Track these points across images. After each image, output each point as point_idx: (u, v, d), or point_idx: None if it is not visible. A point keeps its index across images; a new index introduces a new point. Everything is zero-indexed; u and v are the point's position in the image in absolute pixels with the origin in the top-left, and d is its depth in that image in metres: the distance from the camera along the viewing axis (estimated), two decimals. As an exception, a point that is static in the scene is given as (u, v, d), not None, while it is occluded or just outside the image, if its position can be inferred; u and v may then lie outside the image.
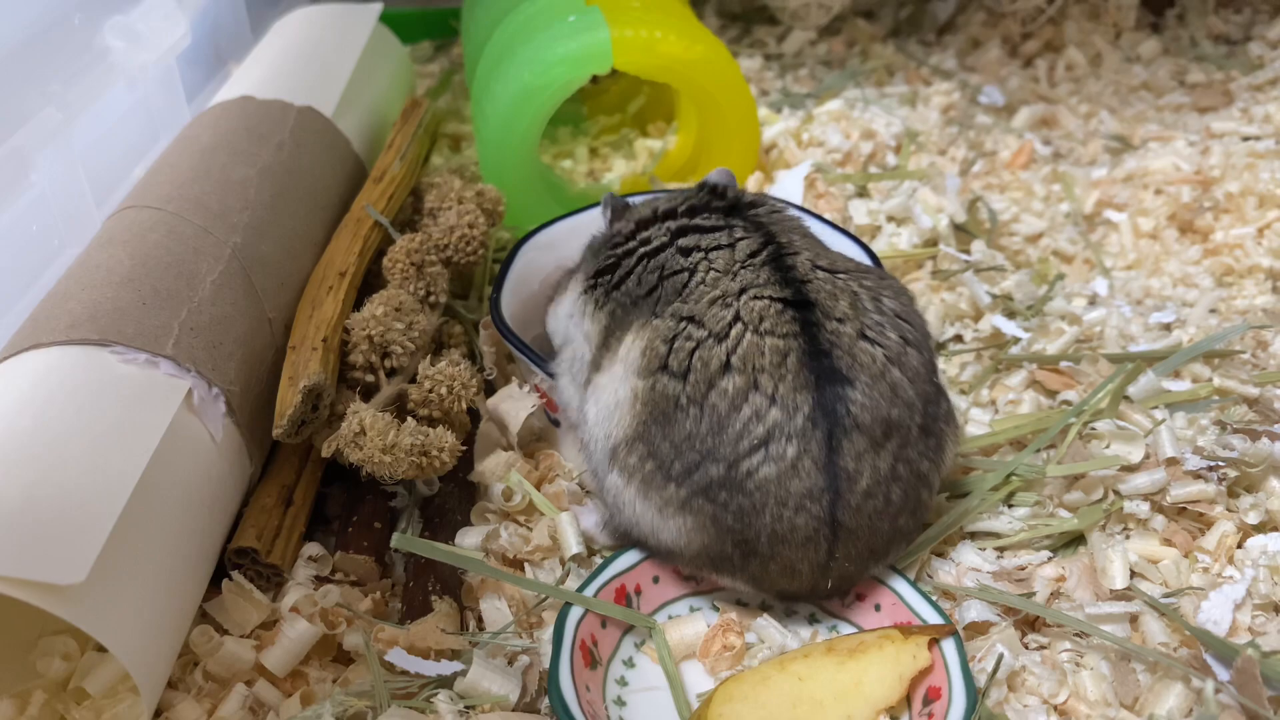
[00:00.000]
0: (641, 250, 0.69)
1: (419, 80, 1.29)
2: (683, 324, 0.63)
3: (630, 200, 0.76)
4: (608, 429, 0.65)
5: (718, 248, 0.67)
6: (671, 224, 0.70)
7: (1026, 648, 0.63)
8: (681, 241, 0.68)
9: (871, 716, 0.58)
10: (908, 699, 0.59)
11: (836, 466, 0.59)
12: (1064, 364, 0.82)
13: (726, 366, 0.61)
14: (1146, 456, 0.71)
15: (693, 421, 0.61)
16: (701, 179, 0.75)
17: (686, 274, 0.66)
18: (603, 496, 0.66)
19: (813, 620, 0.66)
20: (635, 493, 0.63)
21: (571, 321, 0.72)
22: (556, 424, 0.76)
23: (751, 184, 1.03)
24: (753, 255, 0.66)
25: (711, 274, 0.65)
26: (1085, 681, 0.60)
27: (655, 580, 0.66)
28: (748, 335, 0.61)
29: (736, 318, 0.62)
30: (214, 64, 1.10)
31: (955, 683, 0.57)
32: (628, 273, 0.69)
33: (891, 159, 1.09)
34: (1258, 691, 0.56)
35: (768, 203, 0.72)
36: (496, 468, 0.73)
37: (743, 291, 0.63)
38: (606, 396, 0.65)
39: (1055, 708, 0.59)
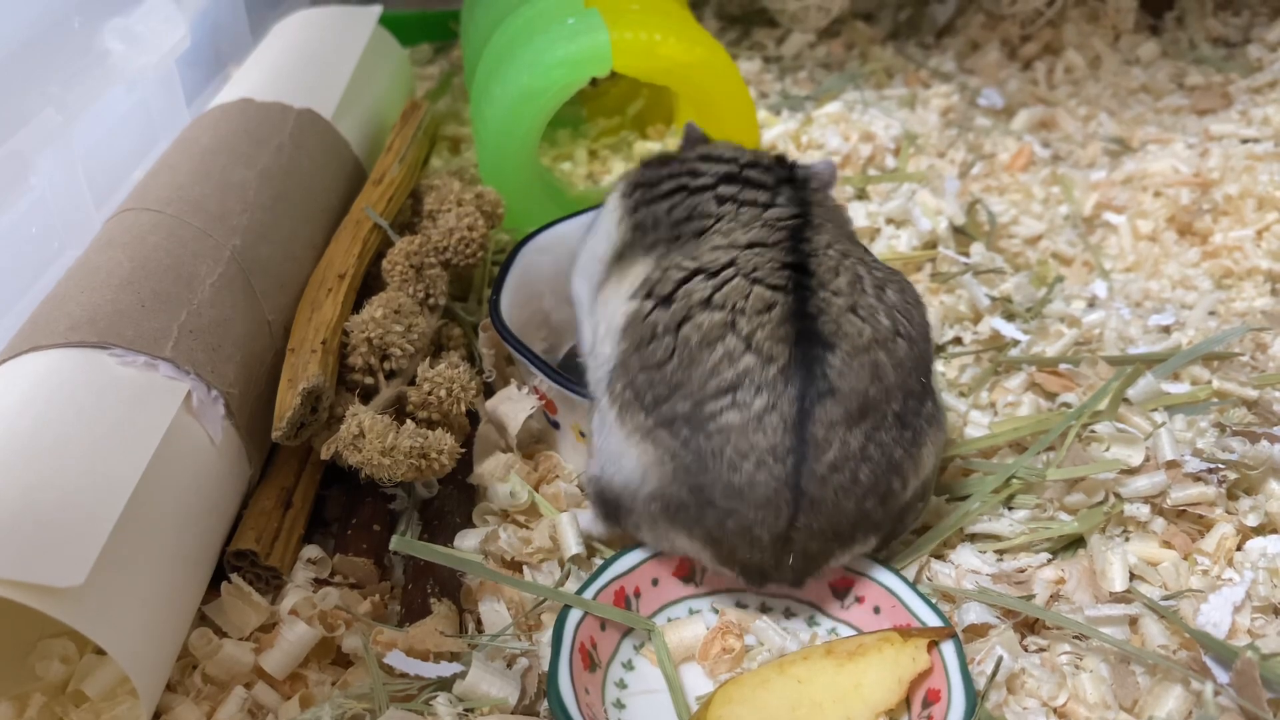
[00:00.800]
0: (687, 181, 0.70)
1: (418, 83, 1.29)
2: (680, 259, 0.64)
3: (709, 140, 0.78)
4: (609, 350, 0.66)
5: (752, 204, 0.68)
6: (725, 169, 0.71)
7: (1026, 650, 0.63)
8: (722, 189, 0.69)
9: (871, 719, 0.57)
10: (907, 701, 0.59)
11: (806, 430, 0.58)
12: (1063, 366, 0.82)
13: (707, 302, 0.61)
14: (1146, 459, 0.71)
15: (664, 350, 0.61)
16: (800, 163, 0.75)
17: (712, 220, 0.67)
18: (591, 427, 0.66)
19: (812, 623, 0.66)
20: (615, 418, 0.63)
21: (602, 215, 0.75)
22: (556, 426, 0.76)
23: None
24: (778, 221, 0.66)
25: (731, 225, 0.66)
26: (1085, 684, 0.60)
27: (654, 583, 0.66)
28: (737, 278, 0.62)
29: (732, 262, 0.63)
30: (213, 66, 1.10)
31: (954, 685, 0.57)
32: (664, 196, 0.70)
33: (891, 161, 1.09)
34: (1257, 694, 0.56)
35: (823, 189, 0.72)
36: (496, 470, 0.73)
37: (750, 245, 0.64)
38: (611, 313, 0.67)
39: (1055, 710, 0.59)
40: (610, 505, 0.65)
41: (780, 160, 0.73)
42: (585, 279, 0.74)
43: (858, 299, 0.62)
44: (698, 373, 0.60)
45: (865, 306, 0.62)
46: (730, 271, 0.62)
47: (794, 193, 0.69)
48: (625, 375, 0.63)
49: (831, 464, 0.59)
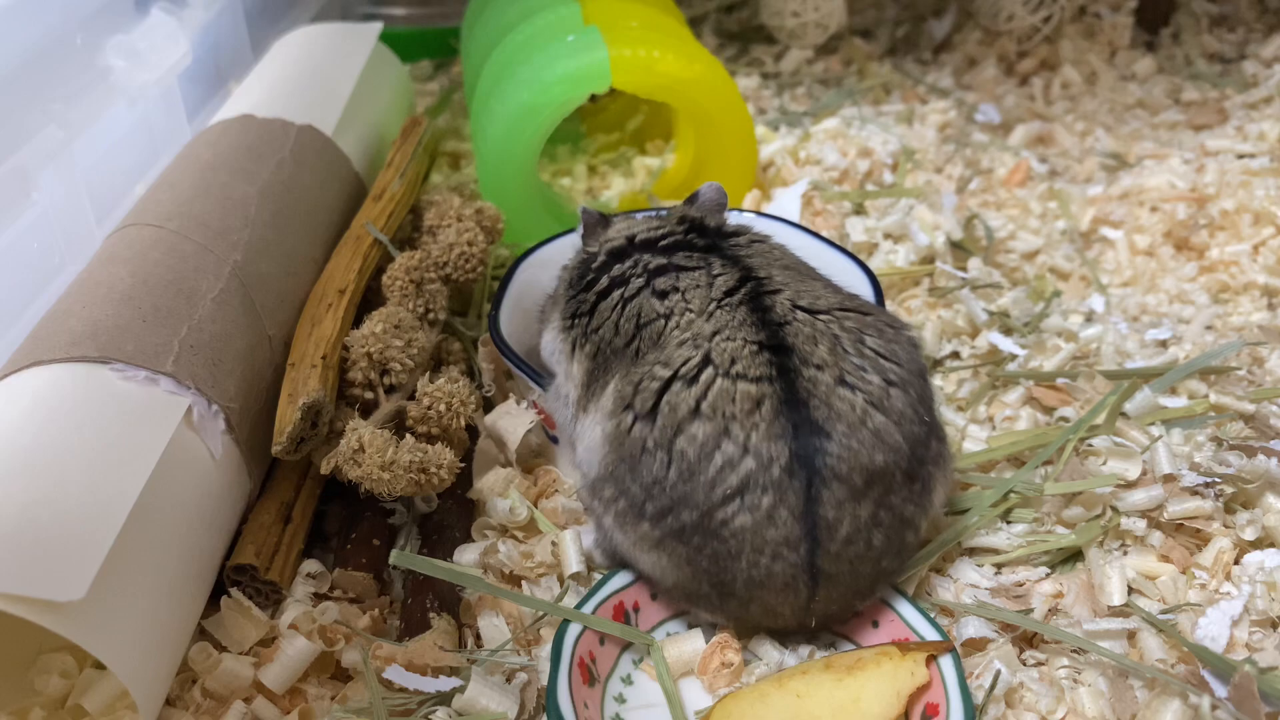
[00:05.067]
0: (617, 293, 0.67)
1: (419, 99, 1.30)
2: (651, 367, 0.62)
3: (608, 218, 0.74)
4: (589, 466, 0.65)
5: (695, 287, 0.65)
6: (649, 260, 0.67)
7: (1024, 664, 0.63)
8: (658, 283, 0.66)
9: (870, 733, 0.58)
10: (906, 715, 0.59)
11: (815, 515, 0.58)
12: (1061, 381, 0.82)
13: (695, 412, 0.59)
14: (1143, 473, 0.71)
15: (660, 466, 0.60)
16: (692, 193, 0.74)
17: (663, 320, 0.64)
18: (590, 507, 0.67)
19: (810, 637, 0.66)
20: (613, 524, 0.63)
21: (554, 358, 0.72)
22: (555, 440, 0.76)
23: (749, 202, 1.03)
24: (729, 293, 0.64)
25: (687, 316, 0.63)
26: (1083, 698, 0.60)
27: (654, 597, 0.66)
28: (718, 380, 0.60)
29: (707, 359, 0.61)
30: (215, 83, 1.10)
31: (953, 699, 0.57)
32: (605, 319, 0.67)
33: (888, 177, 1.10)
34: (1255, 708, 0.56)
35: (748, 232, 0.70)
36: (495, 484, 0.73)
37: (716, 334, 0.62)
38: (589, 438, 0.66)
39: (1053, 724, 0.60)
40: (624, 564, 0.66)
41: (683, 220, 0.70)
42: (562, 408, 0.71)
43: (843, 365, 0.60)
44: (701, 483, 0.59)
45: (852, 371, 0.60)
46: (710, 373, 0.60)
47: (723, 254, 0.67)
48: (616, 486, 0.62)
49: (845, 539, 0.59)
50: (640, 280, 0.67)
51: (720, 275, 0.65)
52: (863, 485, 0.59)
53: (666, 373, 0.61)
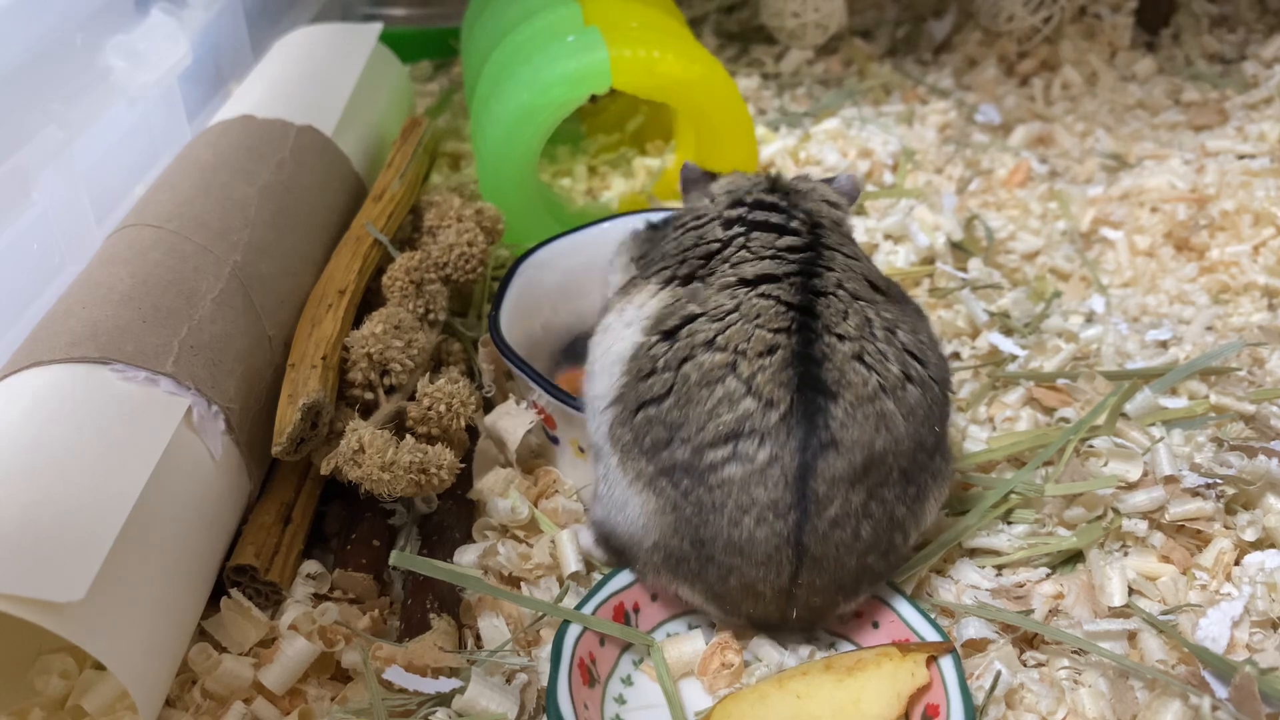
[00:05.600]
0: (689, 218, 0.70)
1: (419, 99, 1.30)
2: (687, 302, 0.63)
3: (710, 174, 0.77)
4: (606, 385, 0.64)
5: (765, 227, 0.66)
6: (737, 199, 0.70)
7: (1025, 665, 0.63)
8: (729, 212, 0.68)
9: (870, 734, 0.58)
10: (906, 716, 0.59)
11: (807, 486, 0.58)
12: (1061, 381, 0.82)
13: (710, 343, 0.60)
14: (1144, 474, 0.71)
15: (662, 385, 0.60)
16: (831, 176, 0.75)
17: (720, 245, 0.66)
18: (595, 463, 0.66)
19: (810, 638, 0.65)
20: (617, 463, 0.62)
21: (615, 261, 0.76)
22: (555, 441, 0.76)
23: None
24: (790, 250, 0.65)
25: (742, 253, 0.65)
26: (1083, 699, 0.60)
27: (654, 598, 0.66)
28: (740, 322, 0.61)
29: (737, 306, 0.62)
30: (215, 83, 1.10)
31: (953, 700, 0.57)
32: (671, 230, 0.71)
33: (889, 177, 1.10)
34: (1256, 709, 0.56)
35: (836, 217, 0.71)
36: (495, 485, 0.73)
37: (757, 283, 0.63)
38: (611, 341, 0.66)
39: (1054, 725, 0.60)
40: (615, 550, 0.66)
41: (799, 180, 0.72)
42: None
43: (865, 345, 0.61)
44: (696, 413, 0.59)
45: (873, 353, 0.60)
46: (735, 317, 0.61)
47: (805, 217, 0.68)
48: (623, 412, 0.62)
49: (833, 520, 0.59)
50: (716, 211, 0.69)
51: (790, 233, 0.66)
52: (860, 464, 0.58)
53: (698, 309, 0.62)
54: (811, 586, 0.60)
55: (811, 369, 0.59)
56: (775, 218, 0.67)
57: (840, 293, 0.63)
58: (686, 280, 0.66)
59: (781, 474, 0.58)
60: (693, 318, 0.62)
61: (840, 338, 0.61)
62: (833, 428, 0.58)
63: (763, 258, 0.64)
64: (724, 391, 0.59)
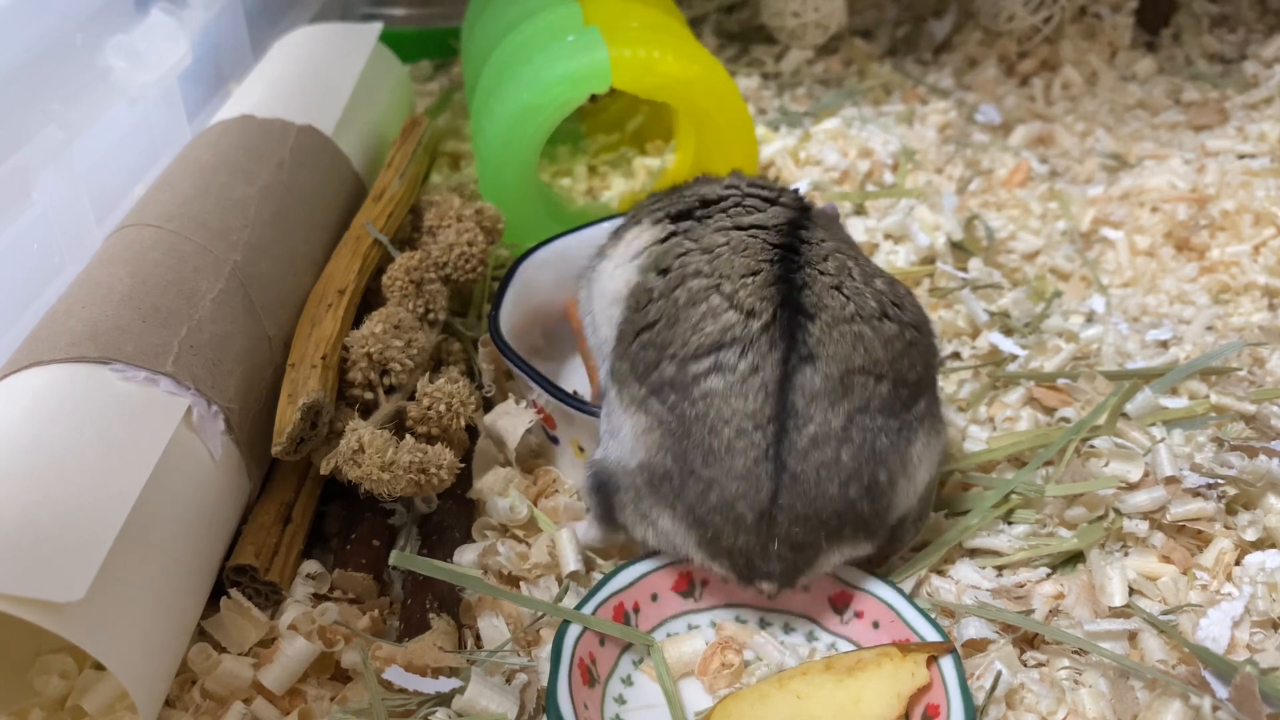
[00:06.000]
0: (691, 190, 0.74)
1: (419, 99, 1.30)
2: (681, 238, 0.67)
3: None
4: (609, 329, 0.67)
5: (759, 195, 0.70)
6: (730, 183, 0.73)
7: (1025, 665, 0.63)
8: (728, 180, 0.72)
9: (870, 734, 0.58)
10: (906, 716, 0.59)
11: (787, 399, 0.59)
12: (1061, 381, 0.82)
13: (698, 272, 0.63)
14: (1145, 474, 0.71)
15: (655, 311, 0.63)
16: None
17: (717, 198, 0.70)
18: (604, 416, 0.67)
19: (811, 638, 0.66)
20: (615, 396, 0.64)
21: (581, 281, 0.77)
22: (555, 440, 0.76)
23: (749, 202, 1.03)
24: (779, 212, 0.68)
25: (737, 208, 0.68)
26: (1084, 699, 0.60)
27: (654, 598, 0.66)
28: (726, 252, 0.64)
29: (727, 242, 0.65)
30: (215, 83, 1.10)
31: (954, 700, 0.57)
32: (672, 193, 0.74)
33: (889, 177, 1.10)
34: (1256, 709, 0.56)
35: (826, 217, 0.73)
36: (495, 484, 0.73)
37: (750, 228, 0.66)
38: (604, 284, 0.69)
39: (1054, 725, 0.59)
40: (604, 492, 0.66)
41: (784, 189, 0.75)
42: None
43: (843, 280, 0.64)
44: (681, 329, 0.61)
45: (850, 288, 0.63)
46: (724, 249, 0.64)
47: (795, 201, 0.71)
48: (623, 346, 0.65)
49: (813, 438, 0.59)
50: (719, 186, 0.73)
51: (781, 208, 0.69)
52: (837, 380, 0.60)
53: (694, 244, 0.66)
54: (792, 512, 0.59)
55: (792, 292, 0.62)
56: (767, 193, 0.71)
57: (824, 243, 0.66)
58: (679, 218, 0.69)
59: (762, 385, 0.59)
60: (687, 252, 0.65)
61: (821, 272, 0.64)
62: (810, 343, 0.60)
63: (756, 212, 0.68)
64: (708, 307, 0.61)
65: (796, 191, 0.73)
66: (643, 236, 0.70)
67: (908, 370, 0.62)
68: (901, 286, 0.67)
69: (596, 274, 0.72)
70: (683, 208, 0.71)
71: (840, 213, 0.77)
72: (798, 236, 0.66)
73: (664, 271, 0.65)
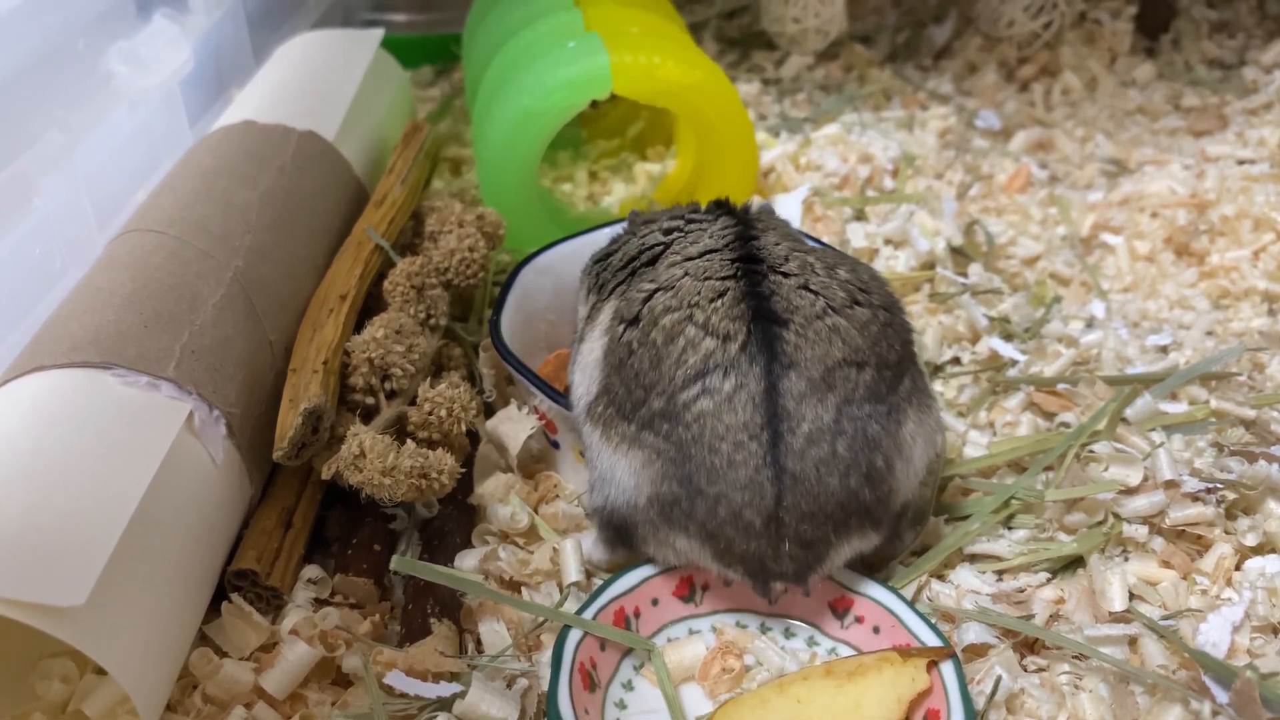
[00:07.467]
0: (633, 238, 0.74)
1: (420, 104, 1.30)
2: (641, 282, 0.67)
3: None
4: (586, 387, 0.67)
5: (699, 226, 0.71)
6: (669, 219, 0.74)
7: (1025, 670, 0.63)
8: (667, 223, 0.73)
9: (871, 739, 0.58)
10: (907, 721, 0.59)
11: (776, 405, 0.60)
12: (1061, 386, 0.83)
13: (667, 309, 0.64)
14: (1145, 479, 0.71)
15: (637, 359, 0.63)
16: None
17: (662, 247, 0.70)
18: (588, 460, 0.67)
19: (811, 643, 0.66)
20: (601, 437, 0.65)
21: (579, 293, 0.78)
22: (556, 446, 0.76)
23: (750, 207, 1.03)
24: (724, 230, 0.69)
25: (684, 245, 0.69)
26: (1084, 704, 0.60)
27: (654, 603, 0.66)
28: (688, 280, 0.65)
29: (686, 273, 0.66)
30: (216, 88, 1.10)
31: (954, 705, 0.57)
32: (617, 251, 0.74)
33: (889, 182, 1.10)
34: (1256, 714, 0.56)
35: (766, 215, 0.74)
36: (496, 490, 0.73)
37: (701, 255, 0.67)
38: (584, 358, 0.69)
39: (1054, 730, 0.59)
40: (619, 529, 0.66)
41: (719, 204, 0.75)
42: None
43: (808, 278, 0.64)
44: (665, 367, 0.62)
45: (817, 284, 0.64)
46: (686, 280, 0.65)
47: (736, 216, 0.72)
48: (607, 396, 0.65)
49: (807, 436, 0.60)
50: (656, 228, 0.73)
51: (723, 225, 0.70)
52: (820, 378, 0.61)
53: (652, 286, 0.66)
54: (798, 511, 0.60)
55: (762, 303, 0.63)
56: (699, 215, 0.73)
57: (779, 246, 0.67)
58: (631, 275, 0.71)
59: (749, 398, 0.60)
60: (650, 295, 0.65)
61: (785, 275, 0.65)
62: (789, 351, 0.61)
63: (701, 239, 0.69)
64: (685, 340, 0.62)
65: (717, 203, 0.74)
66: (609, 308, 0.70)
67: (887, 352, 0.63)
68: (865, 270, 0.68)
69: (579, 351, 0.71)
70: (634, 265, 0.71)
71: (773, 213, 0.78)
72: (751, 247, 0.67)
73: (634, 321, 0.65)
